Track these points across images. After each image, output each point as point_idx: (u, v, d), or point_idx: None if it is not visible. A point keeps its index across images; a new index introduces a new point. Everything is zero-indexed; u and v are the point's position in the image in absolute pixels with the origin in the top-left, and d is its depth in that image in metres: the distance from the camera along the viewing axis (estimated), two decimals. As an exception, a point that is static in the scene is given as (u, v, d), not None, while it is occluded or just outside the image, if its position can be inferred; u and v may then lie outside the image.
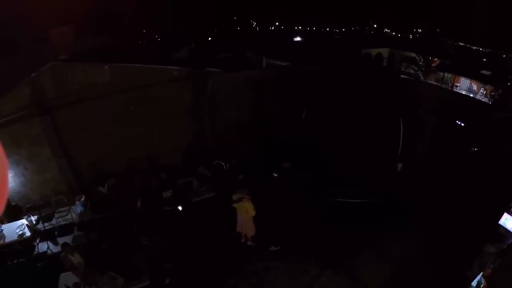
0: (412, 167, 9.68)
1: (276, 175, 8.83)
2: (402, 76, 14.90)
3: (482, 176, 9.12)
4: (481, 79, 16.04)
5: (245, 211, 7.65)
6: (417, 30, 27.82)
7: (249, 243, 8.21)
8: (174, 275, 7.42)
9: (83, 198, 9.33)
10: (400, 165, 9.25)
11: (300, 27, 28.32)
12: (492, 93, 13.95)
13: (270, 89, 10.65)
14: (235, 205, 7.72)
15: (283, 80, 10.87)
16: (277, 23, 29.52)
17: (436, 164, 9.93)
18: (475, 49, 22.56)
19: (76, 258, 7.06)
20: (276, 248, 8.13)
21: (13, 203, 8.92)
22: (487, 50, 21.87)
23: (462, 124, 11.09)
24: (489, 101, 14.21)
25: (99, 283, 6.86)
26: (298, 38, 26.20)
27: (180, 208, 8.52)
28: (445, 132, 10.27)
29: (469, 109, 11.78)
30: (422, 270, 7.56)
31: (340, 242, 8.20)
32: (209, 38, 21.86)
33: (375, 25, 29.58)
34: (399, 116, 8.76)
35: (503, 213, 7.26)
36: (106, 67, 9.54)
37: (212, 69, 10.90)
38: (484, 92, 15.43)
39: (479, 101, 13.69)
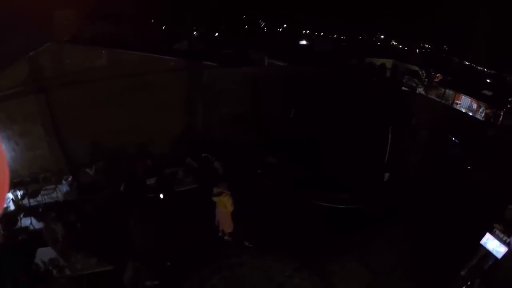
0: (400, 178, 9.48)
1: (260, 171, 8.67)
2: (400, 86, 14.68)
3: (470, 194, 8.93)
4: (482, 99, 15.86)
5: (223, 205, 7.52)
6: (424, 45, 27.53)
7: (225, 237, 8.07)
8: (149, 260, 7.31)
9: (70, 178, 9.33)
10: (387, 175, 9.03)
11: (307, 31, 28.14)
12: (487, 111, 13.76)
13: (264, 86, 10.52)
14: (214, 199, 7.60)
15: (278, 78, 10.73)
16: (285, 25, 29.35)
17: (425, 177, 9.76)
18: (479, 69, 22.28)
19: (57, 228, 6.99)
20: (250, 244, 7.99)
21: (1, 177, 8.88)
22: (491, 71, 21.59)
23: (456, 140, 10.89)
24: (486, 120, 14.03)
25: (72, 260, 6.84)
26: (303, 42, 26.00)
27: (161, 196, 8.41)
28: (437, 146, 10.08)
29: (464, 125, 11.55)
30: (400, 282, 7.38)
31: (321, 245, 8.01)
32: (216, 34, 21.76)
33: (382, 36, 29.37)
34: (388, 124, 8.55)
35: (485, 233, 7.06)
36: (104, 51, 9.48)
37: (209, 62, 10.81)
38: (483, 112, 15.25)
39: (475, 118, 13.45)
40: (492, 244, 6.85)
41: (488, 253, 6.92)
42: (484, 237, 7.00)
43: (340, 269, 7.59)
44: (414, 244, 8.19)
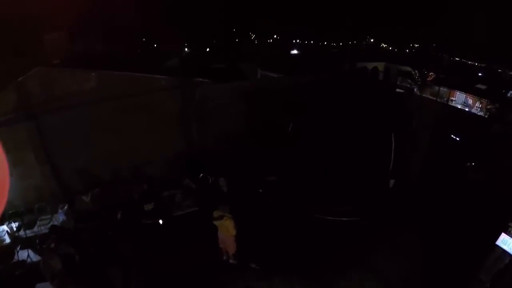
0: (405, 183, 8.97)
1: (261, 190, 8.09)
2: (396, 89, 14.25)
3: (479, 192, 8.48)
4: (477, 93, 15.58)
5: (226, 229, 6.98)
6: (413, 45, 27.14)
7: (230, 260, 7.53)
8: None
9: (66, 207, 8.79)
10: (392, 181, 8.50)
11: (298, 40, 27.70)
12: (489, 107, 13.40)
13: (259, 100, 10.05)
14: (215, 223, 7.06)
15: (273, 91, 10.22)
16: (275, 36, 28.95)
17: (430, 180, 9.28)
18: (470, 63, 21.92)
19: (55, 263, 6.43)
20: (257, 266, 7.45)
21: (-5, 209, 8.37)
22: (482, 65, 21.21)
23: (457, 138, 10.43)
24: (485, 114, 13.68)
25: (72, 296, 6.31)
26: (294, 51, 25.51)
27: (160, 221, 7.86)
28: (439, 147, 9.63)
29: (465, 122, 11.11)
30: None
31: (328, 261, 7.48)
32: (207, 49, 21.29)
33: (372, 40, 28.96)
34: (391, 130, 8.04)
35: (500, 233, 6.57)
36: (93, 74, 8.98)
37: (201, 79, 10.30)
38: (480, 106, 14.92)
39: (475, 114, 13.06)
40: (508, 244, 6.37)
41: (504, 254, 6.43)
42: (500, 237, 6.54)
43: (350, 283, 7.07)
44: (426, 249, 7.71)
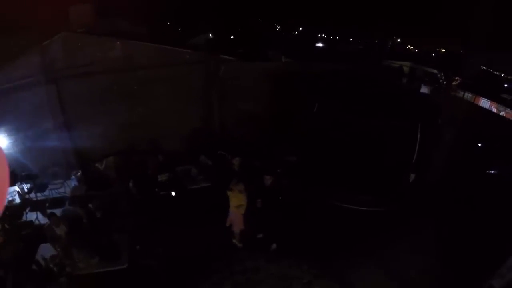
0: (425, 179, 8.46)
1: (279, 171, 7.69)
2: (424, 86, 13.73)
3: (499, 196, 8.09)
4: (502, 102, 15.08)
5: (234, 207, 6.71)
6: (440, 49, 26.44)
7: (234, 240, 7.18)
8: (156, 261, 6.48)
9: (79, 173, 8.63)
10: (412, 176, 8.00)
11: (322, 34, 27.25)
12: (507, 114, 12.84)
13: (284, 82, 9.66)
14: (228, 193, 6.71)
15: (298, 74, 9.78)
16: (300, 28, 28.54)
17: (451, 179, 8.78)
18: (497, 73, 21.16)
19: (60, 230, 6.34)
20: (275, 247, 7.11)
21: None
22: (508, 77, 20.44)
23: (482, 143, 9.90)
24: None
25: (75, 259, 6.06)
26: (319, 44, 25.04)
27: (173, 193, 7.55)
28: (463, 147, 9.11)
29: (492, 126, 10.55)
30: (426, 289, 6.44)
31: (341, 250, 7.08)
32: (231, 37, 21.05)
33: (398, 40, 28.27)
34: (417, 120, 7.53)
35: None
36: (118, 42, 8.74)
37: (226, 56, 9.97)
38: (504, 116, 14.42)
39: (503, 118, 12.46)
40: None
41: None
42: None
43: (362, 276, 6.65)
44: (440, 249, 7.22)
